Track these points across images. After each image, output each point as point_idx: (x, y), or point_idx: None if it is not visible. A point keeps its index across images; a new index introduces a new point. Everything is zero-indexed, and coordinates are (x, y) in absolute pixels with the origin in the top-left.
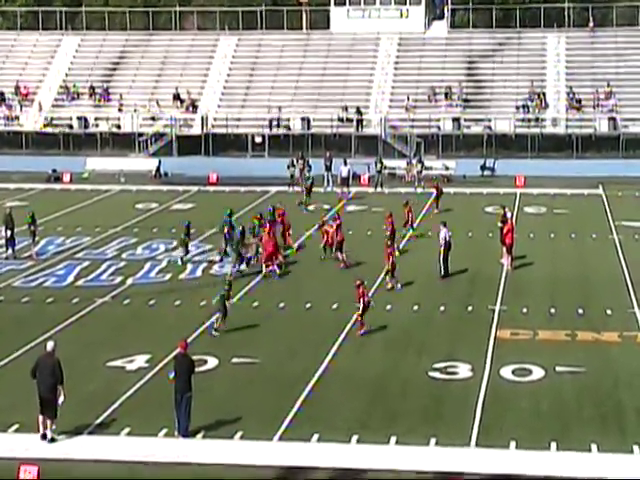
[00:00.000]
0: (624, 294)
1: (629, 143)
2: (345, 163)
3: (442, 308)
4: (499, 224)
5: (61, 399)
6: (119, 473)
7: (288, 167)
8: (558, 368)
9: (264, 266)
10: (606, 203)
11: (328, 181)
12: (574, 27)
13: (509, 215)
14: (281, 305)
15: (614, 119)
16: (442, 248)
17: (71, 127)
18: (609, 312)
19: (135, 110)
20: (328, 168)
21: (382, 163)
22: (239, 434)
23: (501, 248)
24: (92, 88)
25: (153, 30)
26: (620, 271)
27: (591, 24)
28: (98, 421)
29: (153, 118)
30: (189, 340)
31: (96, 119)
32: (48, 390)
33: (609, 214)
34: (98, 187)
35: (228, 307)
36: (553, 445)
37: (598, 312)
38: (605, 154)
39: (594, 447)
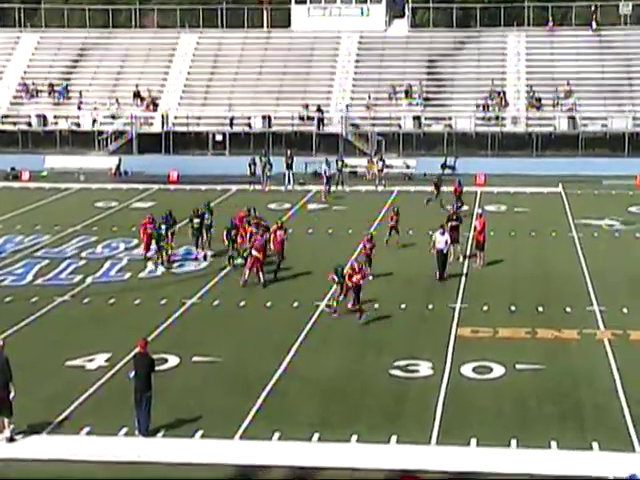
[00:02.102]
0: (583, 292)
1: (588, 142)
2: (326, 162)
3: (403, 306)
4: (476, 223)
5: (12, 395)
6: (79, 473)
7: (249, 165)
8: (518, 365)
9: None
10: (566, 201)
11: (289, 179)
12: (534, 26)
13: (480, 211)
14: (242, 304)
15: (573, 118)
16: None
17: (30, 125)
18: (569, 310)
19: (95, 108)
20: (289, 166)
21: (343, 161)
22: (200, 433)
23: (472, 248)
24: (51, 86)
25: (113, 27)
26: (579, 269)
27: (550, 23)
28: (57, 420)
29: (113, 116)
30: (149, 339)
31: (55, 117)
32: (0, 388)
33: (569, 212)
34: (57, 185)
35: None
36: (513, 442)
37: (558, 310)
38: (565, 153)
39: (554, 444)
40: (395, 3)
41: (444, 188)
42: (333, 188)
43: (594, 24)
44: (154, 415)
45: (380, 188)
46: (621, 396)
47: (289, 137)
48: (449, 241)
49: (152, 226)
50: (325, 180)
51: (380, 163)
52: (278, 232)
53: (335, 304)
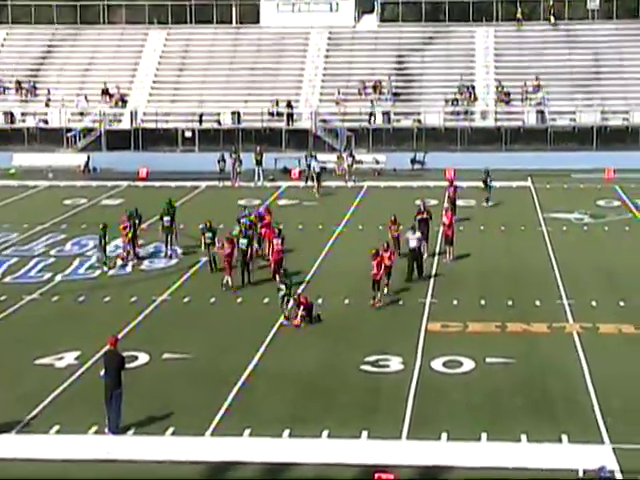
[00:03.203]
0: (553, 285)
1: (557, 136)
2: (316, 158)
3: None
4: (444, 218)
5: None
6: (49, 472)
7: (218, 161)
8: (488, 359)
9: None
10: (535, 195)
11: (259, 175)
12: (502, 21)
13: (446, 205)
14: (212, 300)
15: (542, 112)
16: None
17: None
18: (538, 303)
19: (63, 105)
20: (259, 162)
21: (312, 157)
22: (170, 430)
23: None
24: (19, 83)
25: (81, 24)
26: (549, 263)
27: (519, 15)
28: (27, 419)
29: (81, 113)
30: (119, 336)
31: (23, 114)
32: None
33: (538, 206)
34: (25, 183)
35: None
36: (484, 436)
37: (527, 303)
38: (533, 147)
39: (524, 437)
40: None
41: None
42: (303, 184)
43: (552, 18)
44: (124, 413)
45: (350, 184)
46: (590, 389)
47: (259, 133)
48: (421, 238)
49: (129, 225)
50: (316, 176)
51: (350, 159)
52: (275, 240)
53: (287, 313)
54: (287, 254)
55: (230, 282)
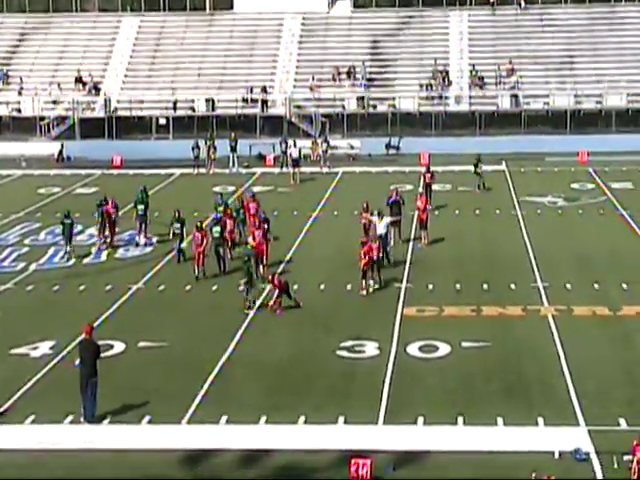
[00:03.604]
0: (527, 269)
1: (531, 119)
2: (295, 144)
3: (349, 287)
4: (418, 202)
5: None
6: (24, 462)
7: (193, 149)
8: (464, 343)
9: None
10: (509, 179)
11: (233, 162)
12: (476, 5)
13: (421, 190)
14: (187, 288)
15: (516, 96)
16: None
17: None
18: (513, 287)
19: (36, 94)
20: (233, 149)
21: (287, 143)
22: (147, 418)
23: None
24: None
25: (53, 12)
26: (524, 246)
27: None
28: (2, 409)
29: (55, 101)
30: (94, 325)
31: None
32: None
33: (512, 190)
34: None
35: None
36: (460, 420)
37: (502, 287)
38: (507, 131)
39: (500, 420)
40: None
41: (388, 168)
42: (278, 170)
43: (522, 3)
44: (100, 402)
45: (325, 170)
46: (565, 371)
47: (233, 120)
48: (389, 224)
49: (115, 211)
50: (294, 163)
51: (325, 144)
52: (257, 232)
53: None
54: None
55: (197, 272)
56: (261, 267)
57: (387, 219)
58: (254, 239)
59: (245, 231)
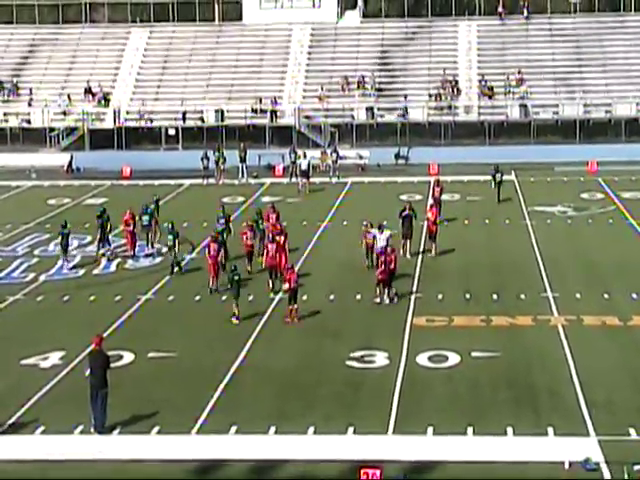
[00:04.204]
0: (537, 278)
1: (540, 129)
2: (305, 156)
3: (358, 297)
4: (428, 214)
5: None
6: (34, 473)
7: (202, 159)
8: (474, 353)
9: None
10: (518, 189)
11: (242, 173)
12: (485, 15)
13: (431, 202)
14: (197, 299)
15: (525, 106)
16: (378, 253)
17: None
18: (523, 297)
19: (46, 105)
20: (242, 159)
21: (296, 153)
22: (156, 429)
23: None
24: (1, 83)
25: (63, 23)
26: (533, 256)
27: (500, 9)
28: (11, 420)
29: (64, 113)
30: (104, 335)
31: (5, 114)
32: None
33: (521, 200)
34: (9, 183)
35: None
36: (470, 430)
37: (512, 297)
38: (517, 140)
39: (510, 430)
40: None
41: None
42: (287, 180)
43: (525, 12)
44: (110, 412)
45: (334, 180)
46: (575, 381)
47: (242, 130)
48: (390, 239)
49: (134, 222)
50: (302, 174)
51: (334, 155)
52: (270, 246)
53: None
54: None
55: (211, 283)
56: (277, 281)
57: (387, 232)
58: (267, 253)
59: (262, 244)
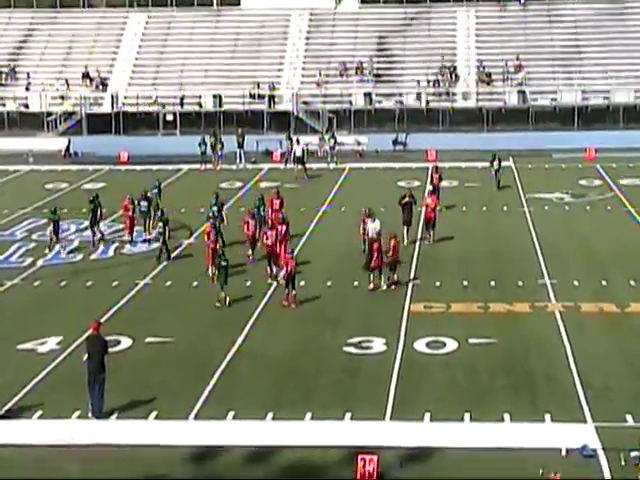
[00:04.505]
0: (535, 265)
1: (538, 116)
2: (298, 142)
3: (356, 283)
4: (428, 200)
5: None
6: (32, 457)
7: (200, 145)
8: (471, 340)
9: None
10: (516, 175)
11: (240, 158)
12: (483, 1)
13: (430, 188)
14: (194, 284)
15: (523, 92)
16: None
17: None
18: (520, 283)
19: (43, 89)
20: (240, 145)
21: (291, 140)
22: (154, 414)
23: (423, 225)
24: None
25: (60, 7)
26: (531, 243)
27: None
28: (9, 406)
29: (62, 97)
30: (102, 320)
31: (2, 98)
32: None
33: (519, 186)
34: (6, 167)
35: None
36: (467, 416)
37: (510, 284)
38: (515, 127)
39: (507, 417)
40: None
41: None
42: (283, 166)
43: None
44: (108, 397)
45: (332, 165)
46: (572, 368)
47: (240, 116)
48: (379, 228)
49: (132, 207)
50: (297, 160)
51: (331, 140)
52: (269, 233)
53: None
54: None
55: (210, 270)
56: (275, 268)
57: (377, 223)
58: (267, 239)
59: (261, 231)
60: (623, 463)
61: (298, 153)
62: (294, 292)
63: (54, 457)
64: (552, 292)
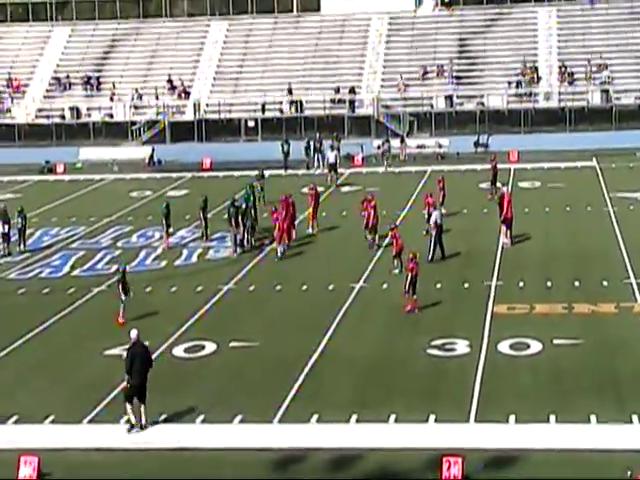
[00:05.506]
0: (620, 265)
1: (622, 115)
2: (332, 148)
3: (438, 285)
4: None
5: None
6: (118, 461)
7: (305, 149)
8: (555, 341)
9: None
10: (600, 175)
11: (318, 162)
12: (565, 0)
13: (505, 190)
14: (277, 288)
15: (607, 91)
16: (434, 232)
17: (63, 117)
18: (605, 283)
19: (129, 99)
20: (318, 150)
21: (321, 144)
22: (238, 418)
23: (500, 226)
24: (84, 78)
25: (143, 18)
26: (615, 242)
27: None
28: (96, 410)
29: (145, 106)
30: (186, 326)
31: (88, 109)
32: (144, 377)
33: (603, 186)
34: (92, 177)
35: None
36: (552, 418)
37: (594, 284)
38: (598, 126)
39: (593, 418)
40: None
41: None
42: (365, 170)
43: None
44: (192, 401)
45: (386, 169)
46: None
47: (321, 120)
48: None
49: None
50: (330, 166)
51: (386, 144)
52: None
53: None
54: (350, 240)
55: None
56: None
57: (437, 213)
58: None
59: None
60: None
61: (331, 160)
62: (414, 297)
63: (138, 461)
64: (638, 292)
